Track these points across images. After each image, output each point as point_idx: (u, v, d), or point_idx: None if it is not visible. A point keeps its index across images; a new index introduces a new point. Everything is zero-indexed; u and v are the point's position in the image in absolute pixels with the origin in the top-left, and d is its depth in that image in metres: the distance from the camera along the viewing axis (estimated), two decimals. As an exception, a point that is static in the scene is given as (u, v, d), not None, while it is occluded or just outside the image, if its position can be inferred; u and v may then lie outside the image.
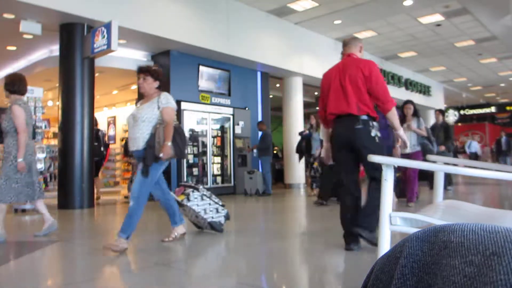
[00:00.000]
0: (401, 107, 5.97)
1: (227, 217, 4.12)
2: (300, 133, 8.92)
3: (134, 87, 10.52)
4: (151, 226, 4.72)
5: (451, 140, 7.92)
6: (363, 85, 3.11)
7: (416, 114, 5.96)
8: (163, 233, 4.11)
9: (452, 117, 19.95)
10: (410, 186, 5.78)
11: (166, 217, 3.72)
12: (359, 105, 3.11)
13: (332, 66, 3.38)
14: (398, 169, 5.70)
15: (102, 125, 13.15)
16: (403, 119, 5.76)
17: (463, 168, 1.55)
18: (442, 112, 8.39)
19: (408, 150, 5.44)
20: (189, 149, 8.99)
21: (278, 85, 12.60)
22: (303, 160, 9.30)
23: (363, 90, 3.12)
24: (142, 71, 3.48)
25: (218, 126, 9.68)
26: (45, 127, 6.94)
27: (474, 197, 7.42)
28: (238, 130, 9.71)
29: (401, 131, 3.30)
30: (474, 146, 17.44)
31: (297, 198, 8.51)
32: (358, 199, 3.17)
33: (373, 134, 3.13)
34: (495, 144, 14.67)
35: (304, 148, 8.34)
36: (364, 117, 3.13)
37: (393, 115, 3.25)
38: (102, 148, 8.04)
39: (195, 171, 8.92)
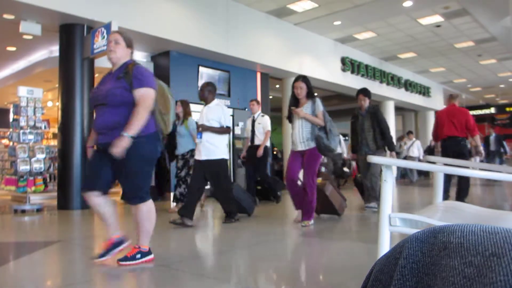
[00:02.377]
0: (292, 87, 4.62)
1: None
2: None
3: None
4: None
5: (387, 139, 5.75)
6: (464, 123, 6.04)
7: (310, 95, 4.55)
8: (162, 233, 4.11)
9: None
10: (308, 198, 4.42)
11: (164, 218, 3.71)
12: (462, 132, 6.04)
13: (443, 109, 6.57)
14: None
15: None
16: (294, 103, 4.58)
17: (462, 169, 1.55)
18: (366, 93, 5.82)
19: (299, 147, 4.43)
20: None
21: (277, 86, 12.60)
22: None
23: (464, 126, 6.04)
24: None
25: (217, 127, 9.67)
26: (45, 127, 6.93)
27: (474, 198, 7.42)
28: (237, 131, 9.71)
29: (479, 147, 6.44)
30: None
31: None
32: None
33: (468, 145, 6.37)
34: (483, 144, 13.51)
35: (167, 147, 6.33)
36: (463, 138, 6.11)
37: (477, 139, 6.19)
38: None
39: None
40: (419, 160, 12.20)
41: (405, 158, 12.93)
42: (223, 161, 4.77)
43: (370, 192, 5.70)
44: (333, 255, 3.33)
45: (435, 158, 2.45)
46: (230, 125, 4.91)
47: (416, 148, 12.45)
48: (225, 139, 4.87)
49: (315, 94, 4.72)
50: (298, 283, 2.64)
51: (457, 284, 0.37)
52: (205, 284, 2.48)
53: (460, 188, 6.05)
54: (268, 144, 6.99)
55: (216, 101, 5.00)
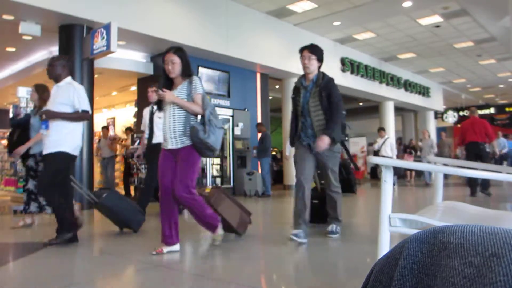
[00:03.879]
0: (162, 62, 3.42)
1: None
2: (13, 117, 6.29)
3: (134, 88, 10.52)
4: (150, 227, 4.72)
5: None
6: (483, 131, 7.40)
7: (187, 72, 3.37)
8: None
9: (451, 118, 19.95)
10: (195, 217, 3.44)
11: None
12: (481, 138, 7.35)
13: (467, 120, 7.91)
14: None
15: (100, 127, 13.15)
16: (167, 83, 3.38)
17: (461, 169, 1.55)
18: (314, 50, 3.76)
19: (169, 145, 3.25)
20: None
21: (277, 86, 12.60)
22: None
23: (484, 133, 7.41)
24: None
25: (217, 127, 9.67)
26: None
27: (474, 198, 7.42)
28: (237, 131, 9.71)
29: (495, 150, 7.92)
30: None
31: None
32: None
33: (487, 149, 7.56)
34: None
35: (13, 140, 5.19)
36: (482, 143, 7.42)
37: (494, 144, 7.21)
38: None
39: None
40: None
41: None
42: (59, 156, 3.61)
43: (329, 211, 3.95)
44: (333, 255, 3.33)
45: (435, 159, 2.46)
46: (89, 108, 3.80)
47: (388, 147, 10.61)
48: (79, 127, 3.77)
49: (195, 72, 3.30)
50: (298, 283, 2.64)
51: (457, 285, 0.37)
52: (205, 285, 2.48)
53: (483, 183, 7.61)
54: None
55: (68, 79, 3.83)
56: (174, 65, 3.31)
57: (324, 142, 3.52)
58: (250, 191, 8.96)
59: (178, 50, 3.40)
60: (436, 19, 10.67)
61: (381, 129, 11.12)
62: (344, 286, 2.39)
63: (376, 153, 10.66)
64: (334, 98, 3.71)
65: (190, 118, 3.25)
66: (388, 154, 10.41)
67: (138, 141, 9.27)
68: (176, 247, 3.30)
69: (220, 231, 3.53)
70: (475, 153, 7.33)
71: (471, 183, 7.77)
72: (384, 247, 1.50)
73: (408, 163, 2.13)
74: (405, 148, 14.66)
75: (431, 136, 13.07)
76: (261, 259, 3.31)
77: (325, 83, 3.75)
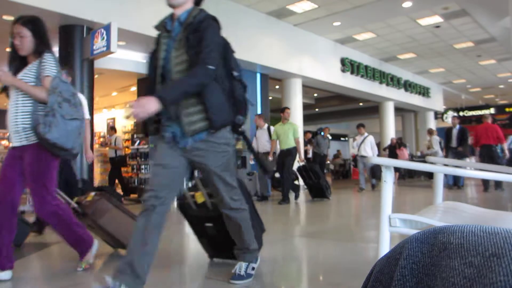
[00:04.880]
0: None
1: None
2: None
3: (134, 88, 10.53)
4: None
5: None
6: (495, 134, 8.50)
7: (40, 48, 2.66)
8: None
9: (451, 118, 19.95)
10: (64, 237, 2.71)
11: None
12: (493, 141, 8.42)
13: (481, 125, 8.94)
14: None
15: (101, 127, 13.16)
16: (16, 62, 2.69)
17: (461, 170, 1.55)
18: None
19: (14, 142, 2.55)
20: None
21: (277, 86, 12.61)
22: None
23: (496, 136, 8.49)
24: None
25: (217, 128, 9.66)
26: (44, 128, 6.92)
27: (474, 199, 7.42)
28: (237, 131, 9.70)
29: (505, 151, 8.63)
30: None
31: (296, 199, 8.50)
32: None
33: (498, 150, 8.65)
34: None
35: None
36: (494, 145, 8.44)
37: (505, 146, 8.63)
38: None
39: (195, 172, 8.92)
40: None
41: (355, 159, 11.69)
42: None
43: (234, 238, 2.46)
44: (333, 255, 3.33)
45: (435, 159, 2.45)
46: None
47: (368, 146, 9.52)
48: None
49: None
50: (298, 283, 2.64)
51: (457, 285, 0.37)
52: (205, 285, 2.47)
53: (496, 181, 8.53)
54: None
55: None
56: (23, 40, 2.58)
57: (141, 105, 1.86)
58: (250, 192, 8.95)
59: (29, 21, 2.70)
60: (436, 19, 10.68)
61: (361, 126, 9.79)
62: (344, 286, 2.39)
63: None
64: (204, 45, 2.14)
65: (39, 107, 2.51)
66: (368, 154, 9.38)
67: (138, 141, 9.28)
68: (4, 274, 2.53)
69: (89, 257, 2.78)
70: (487, 154, 8.52)
71: (484, 180, 8.44)
72: (384, 247, 1.49)
73: (408, 163, 2.13)
74: (393, 147, 13.57)
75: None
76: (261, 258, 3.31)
77: (197, 23, 2.29)
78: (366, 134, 9.70)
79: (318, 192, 7.80)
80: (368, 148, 9.52)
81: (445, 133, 9.66)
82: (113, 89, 11.38)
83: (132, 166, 9.27)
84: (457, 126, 9.41)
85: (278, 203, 7.11)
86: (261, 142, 8.08)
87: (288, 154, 7.30)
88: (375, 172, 10.15)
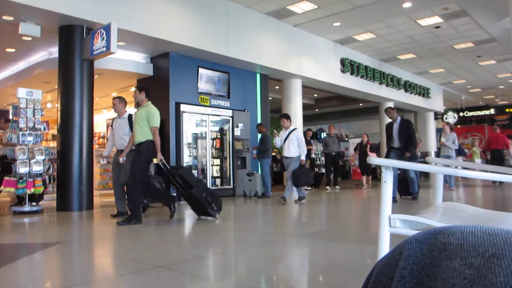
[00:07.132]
0: None
1: None
2: None
3: (134, 89, 10.51)
4: (150, 227, 4.72)
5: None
6: (503, 141, 11.55)
7: None
8: (162, 236, 4.10)
9: (451, 119, 19.95)
10: None
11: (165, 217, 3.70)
12: (502, 146, 11.50)
13: (492, 134, 12.48)
14: None
15: (101, 127, 13.16)
16: None
17: (461, 170, 1.55)
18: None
19: None
20: (188, 151, 9.00)
21: (277, 87, 12.60)
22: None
23: (503, 143, 11.54)
24: None
25: (217, 128, 9.68)
26: (44, 129, 6.92)
27: (474, 199, 7.42)
28: (237, 132, 9.71)
29: (511, 154, 11.23)
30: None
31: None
32: None
33: (506, 155, 11.88)
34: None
35: None
36: (502, 150, 11.53)
37: (511, 150, 11.83)
38: None
39: (195, 173, 8.91)
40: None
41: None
42: None
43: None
44: (333, 256, 3.32)
45: (435, 159, 2.45)
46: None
47: (294, 144, 7.37)
48: None
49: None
50: (298, 283, 2.64)
51: (457, 285, 0.37)
52: (205, 285, 2.47)
53: None
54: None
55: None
56: None
57: None
58: (250, 192, 8.96)
59: None
60: (436, 20, 10.68)
61: (283, 117, 7.72)
62: (344, 286, 2.39)
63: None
64: None
65: None
66: (292, 153, 7.27)
67: None
68: None
69: None
70: (497, 157, 11.15)
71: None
72: (384, 248, 1.49)
73: (407, 164, 2.13)
74: (364, 146, 12.85)
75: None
76: (261, 259, 3.31)
77: None
78: (292, 127, 7.56)
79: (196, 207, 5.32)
80: (293, 146, 7.28)
81: (385, 130, 7.93)
82: (113, 89, 11.36)
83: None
84: (398, 120, 7.71)
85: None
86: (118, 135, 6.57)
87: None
88: (299, 180, 7.19)
